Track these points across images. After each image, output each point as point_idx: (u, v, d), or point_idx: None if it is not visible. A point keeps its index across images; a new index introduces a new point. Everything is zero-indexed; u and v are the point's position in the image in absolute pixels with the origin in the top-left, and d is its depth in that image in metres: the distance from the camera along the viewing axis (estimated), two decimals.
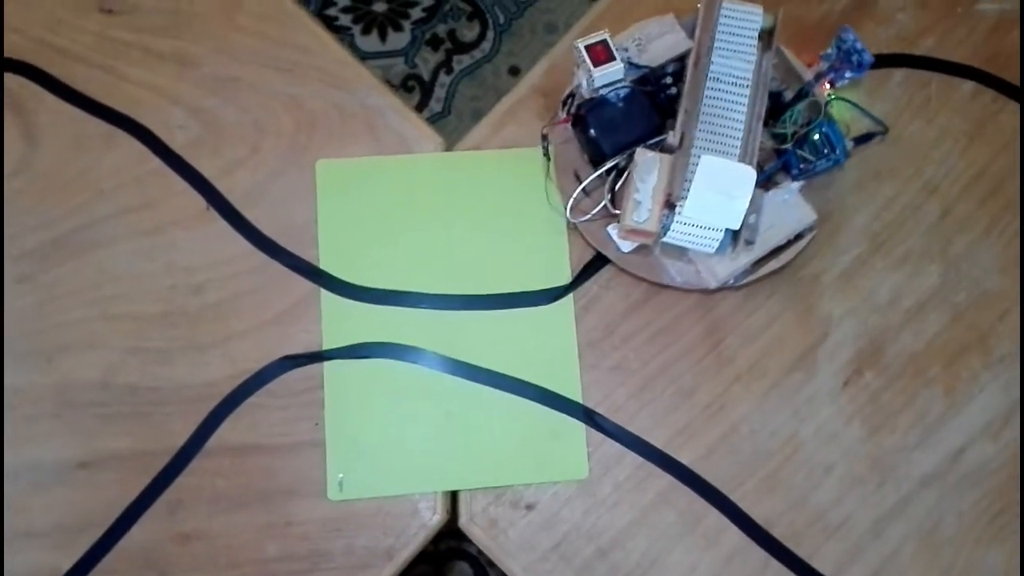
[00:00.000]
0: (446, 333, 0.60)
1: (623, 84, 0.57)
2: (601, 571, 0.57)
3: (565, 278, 0.60)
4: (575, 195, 0.59)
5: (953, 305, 0.61)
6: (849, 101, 0.59)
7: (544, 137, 0.60)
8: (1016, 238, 0.62)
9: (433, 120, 1.23)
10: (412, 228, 0.61)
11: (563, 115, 0.59)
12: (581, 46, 0.55)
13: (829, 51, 0.57)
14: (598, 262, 0.61)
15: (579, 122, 0.58)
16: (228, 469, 0.58)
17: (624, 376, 0.60)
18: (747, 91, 0.56)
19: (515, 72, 1.24)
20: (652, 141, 0.56)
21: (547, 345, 0.60)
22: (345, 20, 1.26)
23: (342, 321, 0.59)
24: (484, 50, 1.25)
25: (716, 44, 0.57)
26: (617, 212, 0.56)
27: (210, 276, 0.60)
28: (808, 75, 0.58)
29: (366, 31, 1.26)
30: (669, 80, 0.58)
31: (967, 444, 0.59)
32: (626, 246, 0.58)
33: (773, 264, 0.58)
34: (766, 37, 0.57)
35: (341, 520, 0.57)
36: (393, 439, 0.58)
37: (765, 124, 0.57)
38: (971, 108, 0.64)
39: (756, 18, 0.57)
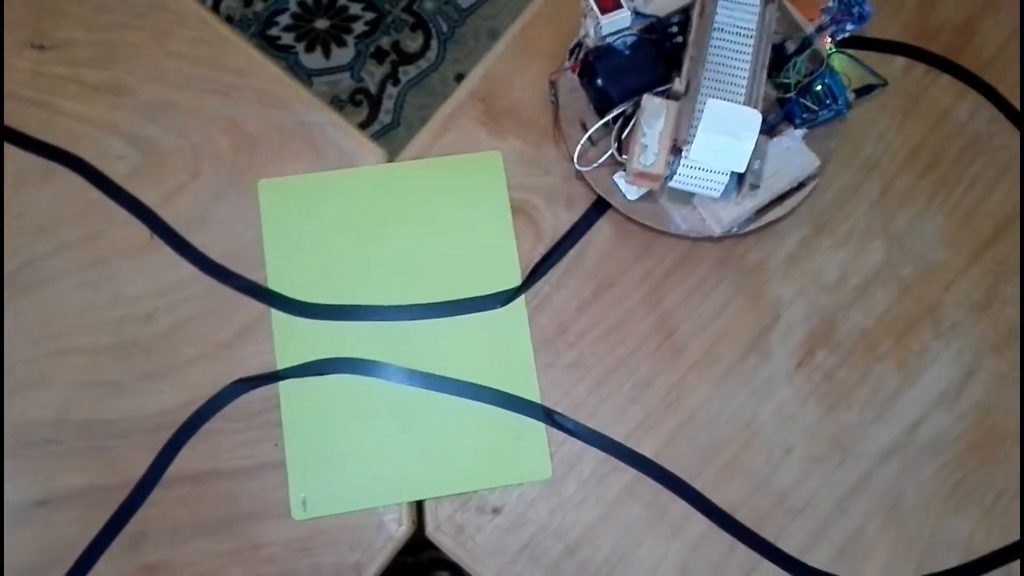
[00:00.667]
0: (400, 344, 0.60)
1: (629, 32, 0.58)
2: (571, 569, 0.58)
3: (515, 280, 0.61)
4: (581, 143, 0.60)
5: (900, 279, 0.62)
6: (849, 55, 0.60)
7: (552, 84, 0.61)
8: (957, 209, 0.64)
9: (383, 132, 1.24)
10: (359, 241, 0.62)
11: (570, 64, 0.60)
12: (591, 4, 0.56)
13: (830, 4, 0.58)
14: (548, 260, 0.62)
15: (586, 70, 0.59)
16: (189, 497, 0.58)
17: (581, 373, 0.61)
18: (751, 41, 0.57)
19: (462, 79, 1.25)
20: (659, 89, 0.57)
21: (502, 348, 0.61)
22: (288, 39, 1.27)
23: (294, 340, 0.60)
24: (429, 59, 1.26)
25: None
26: (623, 159, 0.58)
27: (159, 304, 0.61)
28: (810, 28, 0.59)
29: (310, 48, 1.27)
30: (675, 30, 0.59)
31: (923, 416, 0.61)
32: (632, 193, 0.59)
33: (776, 211, 0.59)
34: None
35: (307, 539, 0.58)
36: (354, 454, 0.59)
37: (768, 76, 0.58)
38: (904, 84, 0.66)
39: None
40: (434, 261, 0.62)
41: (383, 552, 0.58)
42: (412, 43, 1.26)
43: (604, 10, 0.56)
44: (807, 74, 0.59)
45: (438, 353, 0.60)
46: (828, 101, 0.59)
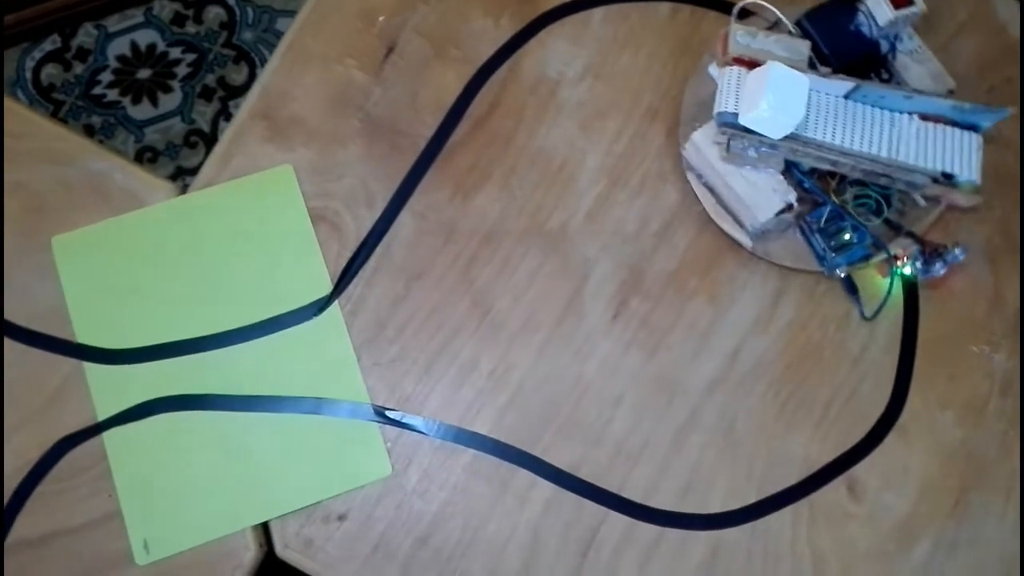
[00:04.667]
0: (222, 372, 0.64)
1: (883, 32, 0.63)
2: (426, 558, 0.62)
3: (326, 288, 0.65)
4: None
5: (696, 216, 0.67)
6: (910, 283, 0.65)
7: None
8: None
9: None
10: (162, 279, 0.65)
11: None
12: None
13: (940, 243, 0.63)
14: (356, 262, 0.66)
15: (840, 3, 0.65)
16: (32, 562, 0.61)
17: (406, 366, 0.65)
18: (883, 152, 0.60)
19: None
20: (820, 66, 0.63)
21: (324, 356, 0.64)
22: (113, 95, 1.30)
23: (112, 389, 0.63)
24: None
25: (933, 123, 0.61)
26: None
27: None
28: (918, 233, 0.64)
29: (136, 100, 1.30)
30: (889, 48, 0.65)
31: (740, 343, 0.66)
32: (713, 70, 0.65)
33: (709, 207, 0.65)
34: (944, 179, 0.61)
35: None
36: (190, 488, 0.62)
37: (850, 182, 0.63)
38: (672, 28, 0.71)
39: (969, 163, 0.61)
40: (242, 284, 0.65)
41: None
42: (237, 76, 1.30)
43: (899, 5, 0.62)
44: (855, 217, 0.62)
45: (261, 374, 0.64)
46: (832, 245, 0.63)
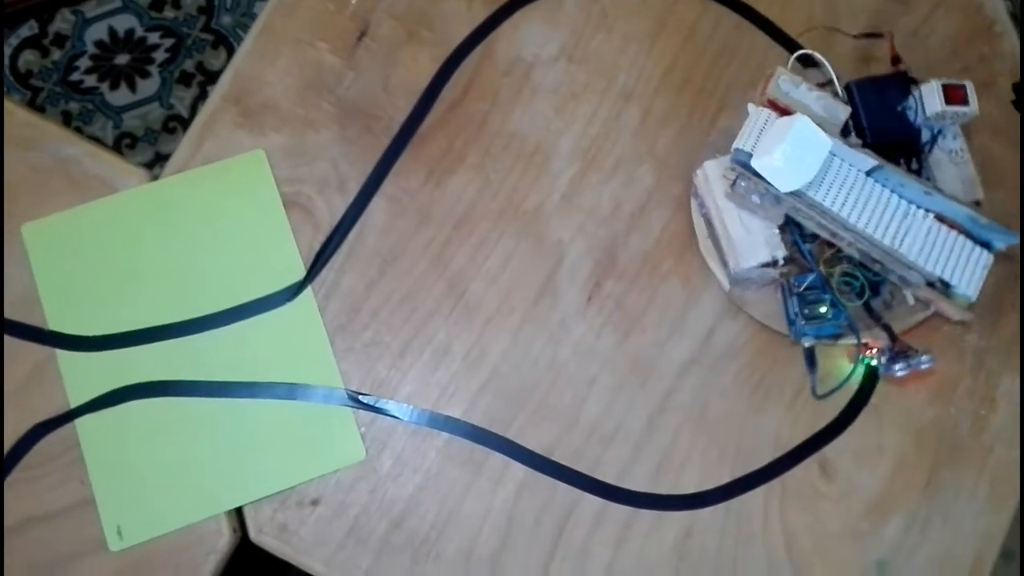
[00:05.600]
0: (195, 358, 0.64)
1: (930, 119, 0.63)
2: (400, 542, 0.62)
3: (299, 273, 0.65)
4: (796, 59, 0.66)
5: (672, 198, 0.67)
6: (874, 372, 0.65)
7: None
8: (717, 119, 0.69)
9: None
10: (134, 265, 0.65)
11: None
12: (937, 85, 0.62)
13: (911, 346, 0.63)
14: (329, 247, 0.66)
15: (895, 80, 0.65)
16: (6, 550, 0.61)
17: (380, 350, 0.65)
18: (886, 239, 0.59)
19: None
20: (851, 136, 0.63)
21: (298, 341, 0.64)
22: (91, 81, 1.29)
23: (85, 375, 0.63)
24: None
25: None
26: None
27: None
28: (896, 331, 0.63)
29: (114, 86, 1.29)
30: (929, 140, 0.64)
31: (714, 325, 0.66)
32: (751, 109, 0.62)
33: (700, 237, 0.65)
34: (940, 285, 0.60)
35: (130, 569, 0.61)
36: (163, 474, 0.62)
37: (843, 257, 0.63)
38: (646, 9, 0.71)
39: (971, 278, 0.60)
40: (214, 270, 0.65)
41: (208, 565, 0.61)
42: (216, 60, 1.30)
43: (952, 100, 0.61)
44: (838, 291, 0.62)
45: (235, 360, 0.64)
46: (805, 312, 0.62)
